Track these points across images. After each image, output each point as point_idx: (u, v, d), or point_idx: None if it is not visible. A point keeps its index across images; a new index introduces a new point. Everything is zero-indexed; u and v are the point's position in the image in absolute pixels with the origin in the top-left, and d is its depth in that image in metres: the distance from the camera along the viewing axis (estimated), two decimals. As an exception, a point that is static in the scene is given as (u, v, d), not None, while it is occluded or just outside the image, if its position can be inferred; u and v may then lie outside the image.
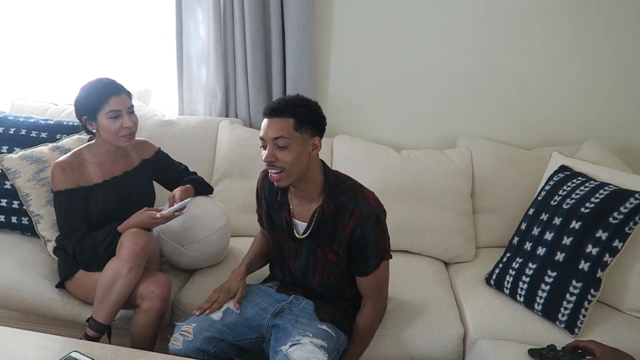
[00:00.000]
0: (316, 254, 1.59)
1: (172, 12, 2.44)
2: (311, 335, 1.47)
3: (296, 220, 1.59)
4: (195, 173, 2.05)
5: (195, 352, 1.50)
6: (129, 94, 1.75)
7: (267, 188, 1.65)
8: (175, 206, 1.72)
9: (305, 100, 1.49)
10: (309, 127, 1.46)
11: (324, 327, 1.53)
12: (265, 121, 1.46)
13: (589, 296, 1.67)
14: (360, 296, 1.65)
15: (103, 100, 1.68)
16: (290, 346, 1.44)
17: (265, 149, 1.46)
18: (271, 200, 1.64)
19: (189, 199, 1.78)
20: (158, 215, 1.69)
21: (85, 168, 1.78)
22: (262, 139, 1.46)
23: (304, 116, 1.45)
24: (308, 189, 1.54)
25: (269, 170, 1.48)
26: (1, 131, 2.14)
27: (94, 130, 1.74)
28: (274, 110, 1.44)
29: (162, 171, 1.98)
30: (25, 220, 2.03)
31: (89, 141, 1.87)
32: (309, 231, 1.56)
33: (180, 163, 2.05)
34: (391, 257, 1.61)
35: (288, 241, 1.62)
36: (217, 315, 1.56)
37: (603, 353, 1.41)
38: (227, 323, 1.55)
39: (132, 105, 1.76)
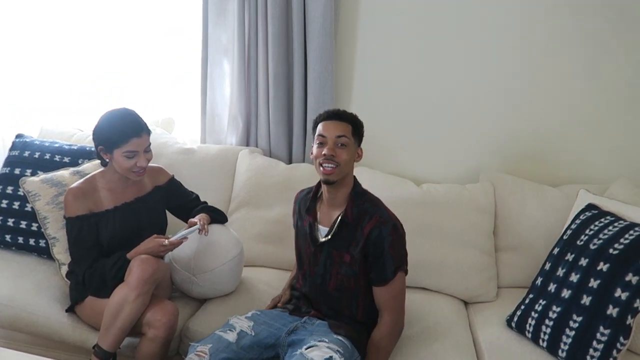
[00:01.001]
0: (332, 258, 1.66)
1: (198, 42, 2.51)
2: (327, 341, 1.52)
3: (319, 225, 1.70)
4: (206, 202, 2.05)
5: None
6: (149, 133, 1.77)
7: (299, 202, 1.81)
8: (183, 232, 1.71)
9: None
10: (358, 137, 1.67)
11: (340, 337, 1.57)
12: (328, 122, 1.63)
13: (618, 344, 1.55)
14: (373, 318, 1.66)
15: (123, 140, 1.69)
16: (307, 348, 1.48)
17: (320, 146, 1.61)
18: (300, 210, 1.78)
19: (198, 226, 1.77)
20: (166, 242, 1.68)
21: (98, 194, 1.80)
22: (322, 136, 1.61)
23: (357, 126, 1.67)
24: (339, 193, 1.66)
25: (325, 165, 1.59)
26: (27, 155, 2.20)
27: (107, 160, 1.76)
28: (339, 115, 1.65)
29: (174, 199, 1.99)
30: (42, 243, 2.06)
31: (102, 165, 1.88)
32: (330, 234, 1.65)
33: (192, 192, 2.05)
34: (407, 272, 1.66)
35: (310, 247, 1.71)
36: (232, 337, 1.56)
37: None
38: (242, 345, 1.55)
39: (149, 144, 1.77)
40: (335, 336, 1.56)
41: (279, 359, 1.60)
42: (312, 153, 1.65)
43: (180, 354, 1.86)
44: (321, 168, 1.60)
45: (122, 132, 1.69)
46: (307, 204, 1.74)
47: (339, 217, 1.64)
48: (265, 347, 1.59)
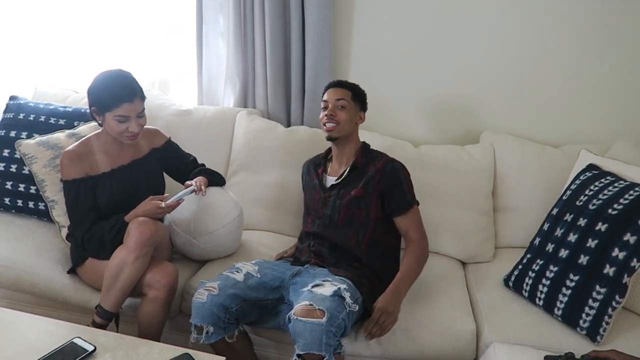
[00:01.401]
0: (342, 198, 1.82)
1: (193, 1, 2.43)
2: (331, 280, 1.60)
3: (327, 176, 1.93)
4: (203, 165, 2.04)
5: (218, 306, 1.56)
6: (143, 98, 1.72)
7: (308, 164, 2.04)
8: (180, 194, 1.70)
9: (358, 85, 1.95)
10: (359, 102, 1.91)
11: (342, 278, 1.65)
12: (330, 90, 1.89)
13: (614, 302, 1.57)
14: (374, 260, 1.79)
15: (114, 103, 1.66)
16: (313, 286, 1.55)
17: (324, 110, 1.87)
18: (309, 169, 2.01)
19: (193, 187, 1.76)
20: (163, 204, 1.68)
21: (94, 157, 1.78)
22: (325, 101, 1.87)
23: (357, 93, 1.92)
24: (347, 149, 1.89)
25: (327, 123, 1.84)
26: (21, 117, 2.17)
27: (100, 122, 1.74)
28: (339, 83, 1.92)
29: (171, 161, 1.97)
30: (41, 206, 2.06)
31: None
32: (341, 178, 1.86)
33: (189, 154, 2.03)
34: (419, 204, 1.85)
35: (319, 193, 1.89)
36: (239, 277, 1.65)
37: (618, 356, 1.32)
38: (249, 284, 1.65)
39: (143, 109, 1.73)
40: (339, 278, 1.64)
41: (283, 300, 1.67)
42: (320, 119, 1.89)
43: (183, 312, 1.89)
44: (324, 126, 1.86)
45: (115, 95, 1.65)
46: (317, 163, 1.99)
47: (350, 165, 1.86)
48: (270, 289, 1.67)
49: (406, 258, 1.75)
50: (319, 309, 1.42)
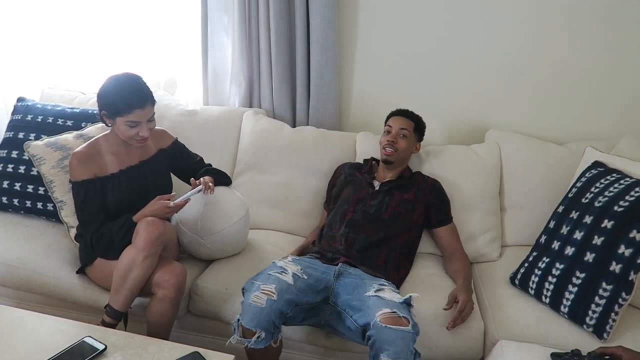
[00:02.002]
0: (393, 195, 1.97)
1: (198, 1, 2.44)
2: (387, 284, 1.66)
3: (375, 181, 2.05)
4: (210, 165, 2.05)
5: (277, 313, 1.50)
6: (153, 103, 1.73)
7: (345, 168, 2.16)
8: (188, 194, 1.71)
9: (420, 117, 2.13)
10: (418, 134, 2.10)
11: (387, 281, 1.71)
12: (395, 117, 2.08)
13: (620, 300, 1.58)
14: (398, 263, 1.89)
15: (126, 109, 1.66)
16: (376, 291, 1.58)
17: (386, 134, 2.05)
18: (350, 168, 2.13)
19: (201, 187, 1.77)
20: (171, 204, 1.69)
21: (102, 158, 1.80)
22: (389, 126, 2.06)
23: (420, 125, 2.10)
24: (396, 171, 2.06)
25: (387, 148, 2.01)
26: (29, 119, 2.19)
27: (110, 125, 1.75)
28: (406, 113, 2.10)
29: (178, 161, 1.98)
30: (50, 207, 2.08)
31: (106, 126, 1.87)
32: (390, 184, 2.00)
33: (196, 154, 2.05)
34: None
35: (367, 188, 2.01)
36: (289, 279, 1.61)
37: (632, 359, 1.32)
38: (299, 287, 1.61)
39: (154, 114, 1.74)
40: (383, 281, 1.70)
41: (327, 301, 1.66)
42: (380, 140, 2.08)
43: (191, 312, 1.90)
44: (384, 150, 2.02)
45: (127, 101, 1.66)
46: (358, 167, 2.14)
47: (398, 175, 2.04)
48: (317, 291, 1.65)
49: (459, 263, 1.92)
50: (403, 316, 1.45)
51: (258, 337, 1.49)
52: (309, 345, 1.82)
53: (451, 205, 2.09)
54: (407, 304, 1.55)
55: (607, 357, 1.38)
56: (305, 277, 1.65)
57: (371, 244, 1.86)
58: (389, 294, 1.57)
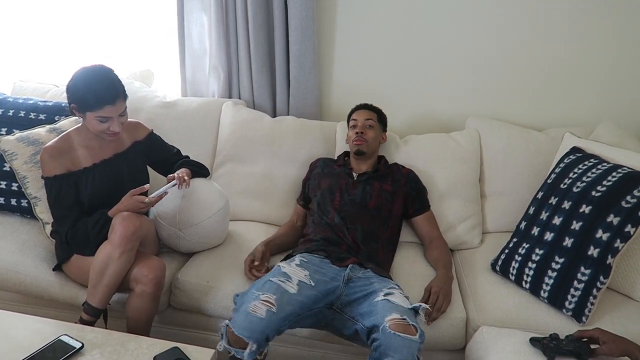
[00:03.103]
0: (373, 185, 1.99)
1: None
2: (396, 287, 1.63)
3: (352, 172, 2.07)
4: (188, 156, 2.01)
5: (274, 329, 1.44)
6: (125, 98, 1.68)
7: (323, 160, 2.18)
8: (163, 188, 1.68)
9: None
10: (382, 124, 2.15)
11: (394, 283, 1.69)
12: (359, 111, 2.13)
13: (598, 283, 1.60)
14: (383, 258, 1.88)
15: (96, 105, 1.62)
16: (385, 295, 1.56)
17: (353, 128, 2.09)
18: (325, 162, 2.15)
19: (175, 181, 1.73)
20: (146, 200, 1.66)
21: (75, 152, 1.75)
22: (354, 120, 2.11)
23: (382, 116, 2.17)
24: (367, 163, 2.08)
25: (357, 140, 2.03)
26: (1, 113, 2.12)
27: (80, 118, 1.71)
28: (367, 105, 2.17)
29: (154, 154, 1.95)
30: (24, 203, 2.03)
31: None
32: (367, 174, 2.02)
33: (173, 146, 2.01)
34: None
35: (346, 178, 2.03)
36: (293, 289, 1.55)
37: (609, 341, 1.34)
38: (306, 295, 1.56)
39: (125, 108, 1.70)
40: (391, 282, 1.69)
41: (332, 306, 1.62)
42: (347, 137, 2.13)
43: (172, 306, 1.88)
44: (354, 142, 2.04)
45: (97, 97, 1.61)
46: (334, 160, 2.17)
47: (373, 167, 2.07)
48: (324, 297, 1.61)
49: (438, 251, 1.94)
50: (412, 324, 1.42)
51: (250, 350, 1.39)
52: (294, 337, 1.82)
53: (431, 193, 2.09)
54: (415, 310, 1.53)
55: (584, 339, 1.39)
56: (313, 284, 1.60)
57: (369, 237, 1.87)
58: (398, 298, 1.55)
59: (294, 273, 1.62)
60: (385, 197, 1.96)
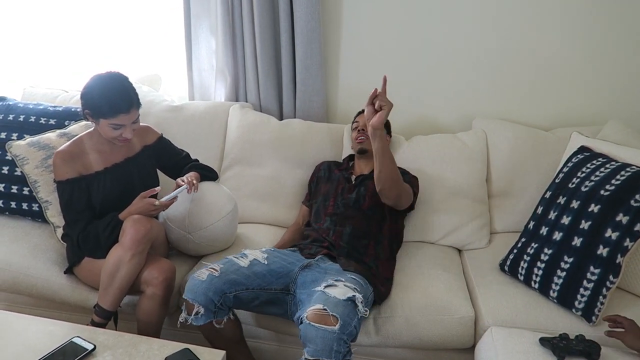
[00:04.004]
0: (367, 186, 1.96)
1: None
2: (343, 280, 1.58)
3: (352, 176, 2.07)
4: (197, 160, 2.03)
5: (215, 289, 1.56)
6: (138, 106, 1.72)
7: (324, 165, 2.19)
8: (173, 193, 1.70)
9: None
10: (385, 127, 1.95)
11: (353, 276, 1.65)
12: (363, 114, 2.04)
13: (608, 283, 1.59)
14: (389, 256, 1.89)
15: (111, 114, 1.65)
16: (325, 287, 1.53)
17: (355, 129, 2.10)
18: (329, 166, 2.16)
19: (185, 186, 1.75)
20: (157, 202, 1.67)
21: (86, 156, 1.77)
22: (357, 122, 2.11)
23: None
24: (371, 163, 2.00)
25: (359, 137, 2.04)
26: (11, 118, 2.15)
27: (93, 124, 1.73)
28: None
29: (164, 158, 1.97)
30: (35, 207, 2.05)
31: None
32: (363, 176, 2.02)
33: (182, 150, 2.03)
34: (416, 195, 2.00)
35: (343, 183, 2.03)
36: (243, 263, 1.65)
37: (632, 331, 1.35)
38: (254, 271, 1.65)
39: (138, 116, 1.73)
40: (349, 275, 1.64)
41: (288, 290, 1.66)
42: (351, 140, 2.13)
43: (181, 309, 1.89)
44: (356, 140, 2.05)
45: (112, 106, 1.64)
46: (338, 164, 2.17)
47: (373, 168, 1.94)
48: (277, 277, 1.67)
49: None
50: (332, 314, 1.39)
51: (197, 313, 1.55)
52: (282, 335, 1.84)
53: (438, 194, 2.12)
54: (352, 301, 1.48)
55: (591, 340, 1.39)
56: (266, 263, 1.68)
57: (358, 235, 1.86)
58: (339, 289, 1.51)
59: (253, 254, 1.72)
60: (378, 197, 1.89)
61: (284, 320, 1.74)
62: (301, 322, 1.42)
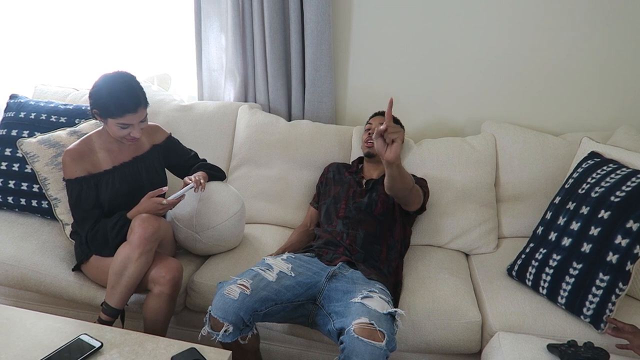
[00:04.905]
0: (379, 191, 1.96)
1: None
2: (377, 292, 1.57)
3: (363, 180, 2.07)
4: (205, 160, 2.04)
5: (247, 309, 1.49)
6: (146, 106, 1.72)
7: (334, 167, 2.19)
8: (181, 191, 1.70)
9: None
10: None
11: (380, 286, 1.64)
12: (376, 117, 2.17)
13: (617, 290, 1.57)
14: (396, 258, 1.89)
15: (118, 113, 1.65)
16: (362, 298, 1.51)
17: (368, 131, 2.12)
18: (339, 168, 2.17)
19: (192, 185, 1.75)
20: (164, 201, 1.68)
21: (95, 154, 1.78)
22: (370, 124, 2.15)
23: (397, 122, 2.17)
24: (380, 167, 2.08)
25: (368, 141, 2.07)
26: (22, 116, 2.17)
27: (101, 123, 1.74)
28: (383, 113, 2.15)
29: (172, 157, 1.97)
30: (45, 204, 2.07)
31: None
32: (374, 180, 2.01)
33: (190, 150, 2.04)
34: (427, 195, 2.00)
35: (354, 186, 2.03)
36: (271, 277, 1.59)
37: (634, 331, 1.35)
38: (283, 284, 1.59)
39: (146, 115, 1.73)
40: (377, 285, 1.63)
41: (314, 301, 1.62)
42: (361, 140, 2.16)
43: (188, 307, 1.90)
44: (365, 144, 2.09)
45: (119, 105, 1.65)
46: (347, 166, 2.18)
47: (383, 173, 2.02)
48: (305, 289, 1.62)
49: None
50: (379, 330, 1.38)
51: (225, 331, 1.48)
52: (291, 336, 1.83)
53: (446, 197, 2.11)
54: (392, 316, 1.48)
55: (600, 347, 1.38)
56: (293, 275, 1.63)
57: (371, 240, 1.85)
58: (376, 302, 1.50)
59: (277, 265, 1.66)
60: (391, 203, 1.93)
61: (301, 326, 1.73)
62: (341, 334, 1.42)
